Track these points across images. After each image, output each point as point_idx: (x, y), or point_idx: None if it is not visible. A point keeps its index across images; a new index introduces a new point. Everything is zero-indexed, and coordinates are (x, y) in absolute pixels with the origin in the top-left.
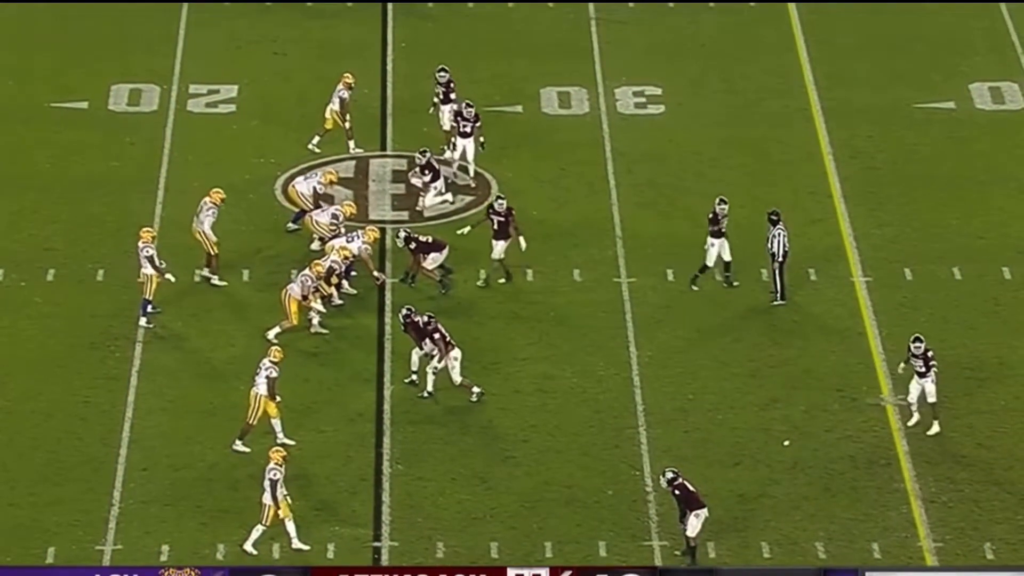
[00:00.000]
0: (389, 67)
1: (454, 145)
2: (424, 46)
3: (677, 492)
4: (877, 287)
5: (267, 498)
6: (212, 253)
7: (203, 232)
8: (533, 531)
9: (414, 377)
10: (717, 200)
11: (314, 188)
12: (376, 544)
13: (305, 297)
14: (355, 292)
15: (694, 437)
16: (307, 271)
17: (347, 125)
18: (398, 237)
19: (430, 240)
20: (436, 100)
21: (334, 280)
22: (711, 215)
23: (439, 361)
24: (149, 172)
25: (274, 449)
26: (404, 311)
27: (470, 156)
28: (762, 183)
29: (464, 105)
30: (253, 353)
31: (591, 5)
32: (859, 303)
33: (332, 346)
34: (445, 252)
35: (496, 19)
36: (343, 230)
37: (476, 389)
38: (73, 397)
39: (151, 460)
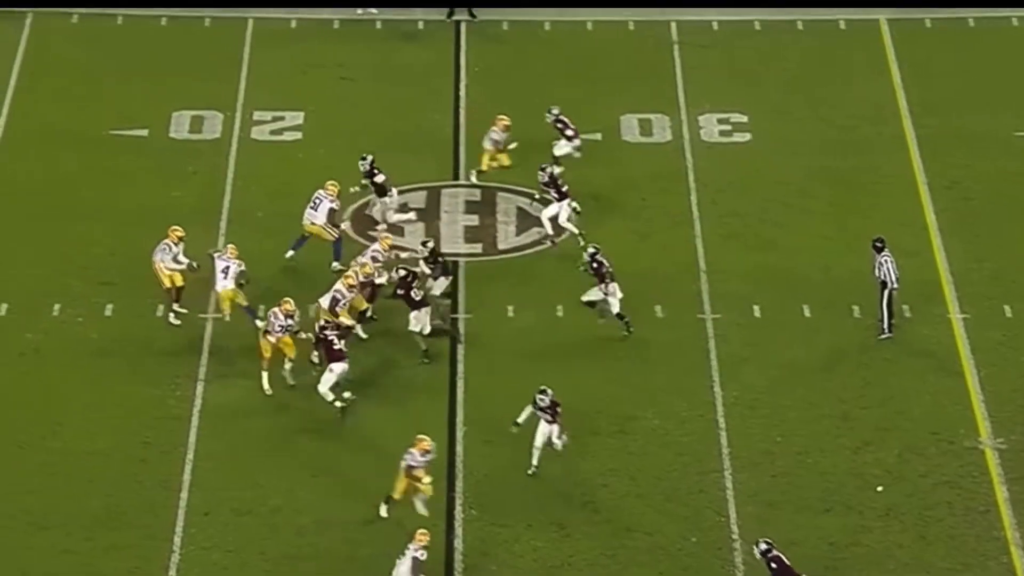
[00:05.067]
0: (462, 92)
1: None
2: (498, 70)
3: (773, 565)
4: (975, 325)
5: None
6: (168, 287)
7: (161, 266)
8: None
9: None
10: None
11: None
12: None
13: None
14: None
15: (782, 482)
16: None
17: (493, 164)
18: (424, 245)
19: (443, 261)
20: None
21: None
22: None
23: (557, 437)
24: (211, 202)
25: (421, 532)
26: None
27: (563, 218)
28: (853, 214)
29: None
30: (314, 393)
31: (673, 26)
32: (956, 341)
33: (404, 390)
34: (449, 279)
35: (573, 41)
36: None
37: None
38: (132, 438)
39: (213, 504)
